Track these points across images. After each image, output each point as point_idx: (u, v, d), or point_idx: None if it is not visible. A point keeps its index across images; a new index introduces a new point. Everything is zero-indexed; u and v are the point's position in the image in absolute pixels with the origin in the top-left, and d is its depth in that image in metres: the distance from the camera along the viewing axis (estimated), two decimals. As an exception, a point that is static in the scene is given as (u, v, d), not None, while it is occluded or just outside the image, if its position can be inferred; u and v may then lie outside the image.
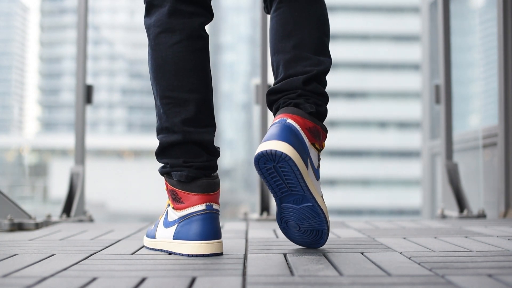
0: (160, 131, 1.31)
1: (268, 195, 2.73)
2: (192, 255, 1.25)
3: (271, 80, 2.98)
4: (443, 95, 2.87)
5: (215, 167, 1.30)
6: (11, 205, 2.05)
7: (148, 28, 1.32)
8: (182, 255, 1.27)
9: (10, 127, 49.26)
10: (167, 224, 1.33)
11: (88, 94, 2.79)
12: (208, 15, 1.33)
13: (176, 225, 1.29)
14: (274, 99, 1.32)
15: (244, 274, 1.05)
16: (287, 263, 1.16)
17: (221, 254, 1.27)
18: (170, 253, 1.31)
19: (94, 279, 0.99)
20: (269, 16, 1.40)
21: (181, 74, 1.27)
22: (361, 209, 32.45)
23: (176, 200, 1.29)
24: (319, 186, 1.29)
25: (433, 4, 5.36)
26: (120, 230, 1.88)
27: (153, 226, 1.43)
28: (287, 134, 1.21)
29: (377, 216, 31.06)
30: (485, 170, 3.36)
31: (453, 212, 2.62)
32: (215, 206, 1.27)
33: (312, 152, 1.26)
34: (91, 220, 2.57)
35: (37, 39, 51.79)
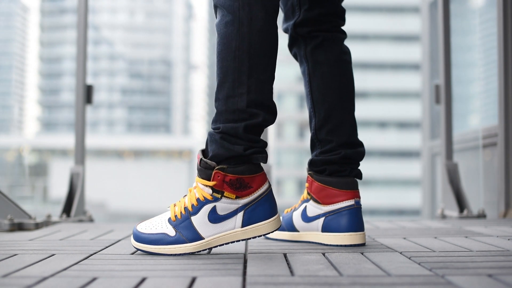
0: (259, 106, 1.26)
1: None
2: (266, 234, 1.30)
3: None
4: (443, 95, 2.87)
5: None
6: (11, 205, 2.05)
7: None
8: (255, 237, 1.29)
9: (10, 127, 49.26)
10: (218, 218, 1.27)
11: (88, 94, 2.79)
12: None
13: (242, 212, 1.27)
14: (342, 163, 1.47)
15: (244, 274, 1.05)
16: (287, 263, 1.16)
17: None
18: (237, 241, 1.29)
19: (94, 279, 0.99)
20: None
21: (276, 61, 1.32)
22: (361, 209, 32.45)
23: (241, 187, 1.26)
24: None
25: (433, 4, 5.36)
26: (120, 230, 1.87)
27: (159, 232, 1.30)
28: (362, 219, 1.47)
29: (377, 216, 31.06)
30: (485, 170, 3.36)
31: (453, 212, 2.62)
32: None
33: None
34: (91, 220, 2.57)
35: (37, 39, 51.77)
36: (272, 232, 1.31)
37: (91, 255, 1.30)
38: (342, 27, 1.56)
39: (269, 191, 1.31)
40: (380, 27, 36.67)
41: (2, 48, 50.03)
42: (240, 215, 1.28)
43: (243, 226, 1.28)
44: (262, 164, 1.30)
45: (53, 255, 1.30)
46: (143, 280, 0.99)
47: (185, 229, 1.29)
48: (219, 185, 1.26)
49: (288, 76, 37.29)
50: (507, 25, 2.72)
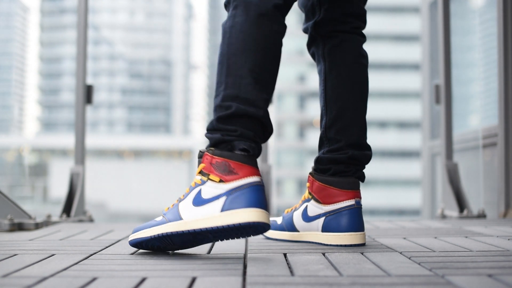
0: (234, 99, 1.29)
1: (268, 195, 2.73)
2: (244, 223, 1.21)
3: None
4: (443, 95, 2.87)
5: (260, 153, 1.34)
6: (11, 205, 2.05)
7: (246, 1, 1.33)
8: (234, 225, 1.22)
9: (10, 127, 49.28)
10: (202, 201, 1.26)
11: (88, 94, 2.79)
12: None
13: (225, 197, 1.24)
14: (349, 163, 1.49)
15: (244, 274, 1.05)
16: (287, 263, 1.16)
17: (269, 226, 1.27)
18: (212, 228, 1.23)
19: (94, 279, 0.99)
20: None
21: (275, 60, 1.34)
22: (362, 209, 32.48)
23: (226, 171, 1.25)
24: None
25: (433, 4, 5.36)
26: (120, 230, 1.88)
27: (149, 222, 1.35)
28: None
29: (377, 216, 31.06)
30: (485, 170, 3.36)
31: (453, 212, 2.62)
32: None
33: None
34: (91, 220, 2.57)
35: (37, 39, 51.78)
36: (251, 223, 1.22)
37: (91, 255, 1.30)
38: (363, 30, 1.58)
39: (258, 185, 1.26)
40: (380, 27, 36.69)
41: (2, 48, 50.06)
42: (221, 200, 1.25)
43: (222, 210, 1.24)
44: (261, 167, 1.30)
45: (53, 255, 1.30)
46: (143, 280, 0.99)
47: (170, 214, 1.29)
48: (207, 167, 1.28)
49: (288, 76, 37.30)
50: (507, 25, 2.72)
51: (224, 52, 1.33)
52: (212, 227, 1.23)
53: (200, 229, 1.24)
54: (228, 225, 1.22)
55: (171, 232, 1.26)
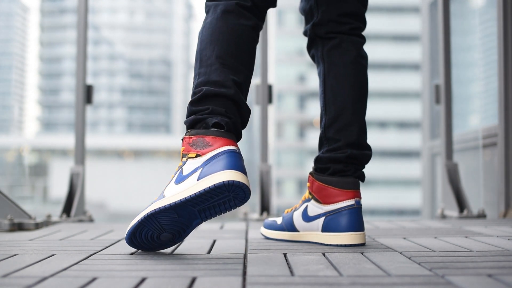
0: (205, 83, 1.34)
1: (269, 195, 2.73)
2: (219, 183, 1.21)
3: (271, 80, 2.98)
4: (443, 95, 2.87)
5: (240, 136, 1.35)
6: (11, 205, 2.05)
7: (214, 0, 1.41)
8: (209, 187, 1.22)
9: (10, 127, 49.29)
10: (182, 178, 1.27)
11: (88, 94, 2.79)
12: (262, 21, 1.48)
13: (201, 168, 1.26)
14: (348, 162, 1.50)
15: (244, 274, 1.05)
16: (287, 263, 1.16)
17: (248, 188, 1.26)
18: (191, 196, 1.23)
19: (94, 279, 0.99)
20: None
21: (242, 49, 1.38)
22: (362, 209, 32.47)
23: (203, 146, 1.28)
24: None
25: (433, 4, 5.36)
26: (120, 230, 1.87)
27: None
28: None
29: (377, 216, 31.06)
30: (485, 170, 3.36)
31: (453, 212, 2.62)
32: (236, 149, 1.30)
33: None
34: (91, 220, 2.57)
35: (37, 39, 51.77)
36: (225, 182, 1.22)
37: (91, 255, 1.30)
38: (363, 32, 1.59)
39: (233, 151, 1.26)
40: (380, 27, 36.70)
41: (2, 48, 50.07)
42: (198, 172, 1.26)
43: (198, 179, 1.25)
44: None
45: (53, 255, 1.30)
46: (143, 280, 0.99)
47: (156, 199, 1.30)
48: (186, 148, 1.30)
49: (288, 76, 37.30)
50: (507, 25, 2.72)
51: (197, 50, 1.39)
52: (190, 195, 1.24)
53: (180, 200, 1.24)
54: (204, 189, 1.22)
55: (155, 210, 1.26)
